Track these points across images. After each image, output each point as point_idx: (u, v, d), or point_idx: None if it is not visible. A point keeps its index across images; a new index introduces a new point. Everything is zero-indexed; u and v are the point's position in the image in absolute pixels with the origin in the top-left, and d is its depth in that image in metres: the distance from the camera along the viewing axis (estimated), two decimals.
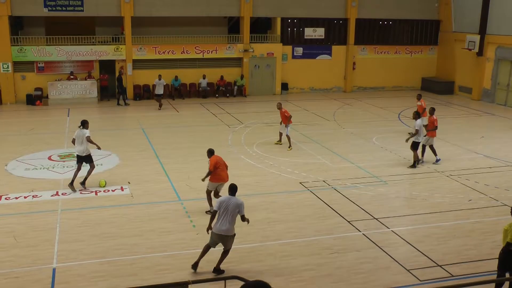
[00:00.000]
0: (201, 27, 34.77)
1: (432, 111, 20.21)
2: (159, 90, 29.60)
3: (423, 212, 15.10)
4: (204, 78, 33.36)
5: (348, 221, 14.14)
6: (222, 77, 33.90)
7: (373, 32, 37.71)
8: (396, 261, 12.04)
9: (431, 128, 19.85)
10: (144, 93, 32.86)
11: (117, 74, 31.58)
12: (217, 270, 11.37)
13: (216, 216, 11.20)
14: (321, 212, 14.83)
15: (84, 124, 16.18)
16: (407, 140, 19.67)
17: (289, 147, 21.49)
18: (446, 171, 19.04)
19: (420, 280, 11.21)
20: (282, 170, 18.53)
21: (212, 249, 11.44)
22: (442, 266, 11.84)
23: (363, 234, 13.40)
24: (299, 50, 35.84)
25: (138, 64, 32.83)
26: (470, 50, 34.44)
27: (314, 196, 16.08)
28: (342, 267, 11.74)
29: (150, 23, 33.76)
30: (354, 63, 36.72)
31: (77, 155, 16.39)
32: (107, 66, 32.57)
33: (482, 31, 33.96)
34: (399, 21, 37.92)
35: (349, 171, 18.67)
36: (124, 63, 32.44)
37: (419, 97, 24.34)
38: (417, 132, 19.00)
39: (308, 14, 35.49)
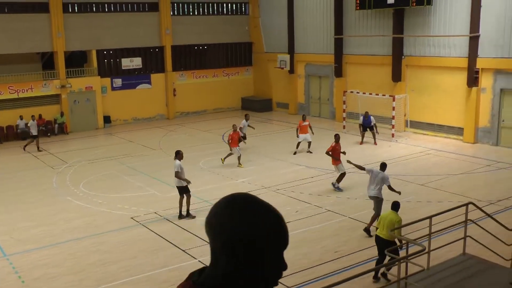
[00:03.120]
0: (13, 65, 32.90)
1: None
2: (35, 131, 27.88)
3: None
4: (21, 118, 31.52)
5: (183, 250, 14.22)
6: (40, 116, 32.35)
7: (190, 58, 38.39)
8: None
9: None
10: None
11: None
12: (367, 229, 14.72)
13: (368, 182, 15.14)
14: (155, 245, 14.77)
15: (176, 154, 17.21)
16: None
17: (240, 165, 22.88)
18: (272, 186, 19.87)
19: None
20: (112, 207, 18.15)
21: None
22: None
23: (199, 261, 13.53)
24: (118, 81, 35.41)
25: None
26: (282, 68, 36.40)
27: (147, 229, 15.95)
28: None
29: None
30: (174, 90, 37.04)
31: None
32: None
33: (291, 50, 36.18)
34: (213, 45, 38.97)
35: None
36: None
37: (304, 118, 26.16)
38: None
39: (124, 44, 35.24)
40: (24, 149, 27.97)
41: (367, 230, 14.83)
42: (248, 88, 40.50)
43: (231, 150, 23.17)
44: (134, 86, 35.91)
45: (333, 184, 19.27)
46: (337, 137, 19.87)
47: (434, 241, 12.67)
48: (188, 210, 16.92)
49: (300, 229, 15.50)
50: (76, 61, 35.30)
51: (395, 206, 12.39)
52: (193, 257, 13.73)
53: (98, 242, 15.13)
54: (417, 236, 12.47)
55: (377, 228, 12.87)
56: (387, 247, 11.39)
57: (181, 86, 37.41)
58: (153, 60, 36.88)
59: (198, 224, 16.22)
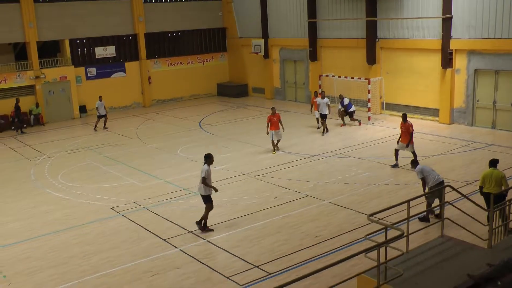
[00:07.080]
0: None
1: None
2: (102, 111, 29.82)
3: (235, 217, 15.66)
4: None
5: (164, 239, 14.23)
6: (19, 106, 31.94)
7: (164, 45, 38.15)
8: (216, 270, 12.39)
9: None
10: None
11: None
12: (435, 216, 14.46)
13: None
14: (136, 235, 14.75)
15: (206, 158, 14.56)
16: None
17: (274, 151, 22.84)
18: (250, 172, 19.92)
19: (240, 285, 11.65)
20: (91, 198, 18.06)
21: None
22: (259, 267, 12.42)
23: (181, 250, 13.57)
24: (93, 71, 35.07)
25: None
26: (257, 53, 36.34)
27: (127, 219, 15.91)
28: (164, 287, 11.82)
29: None
30: (149, 77, 36.82)
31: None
32: None
33: (265, 35, 36.10)
34: (187, 31, 38.77)
35: (159, 188, 18.73)
36: None
37: (316, 94, 27.00)
38: None
39: (97, 33, 34.88)
40: (95, 128, 29.89)
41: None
42: (224, 74, 40.43)
43: (282, 129, 22.94)
44: (108, 75, 35.62)
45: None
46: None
47: (412, 223, 12.89)
48: (202, 220, 14.88)
49: (280, 215, 15.60)
50: (49, 51, 34.86)
51: (494, 163, 13.49)
52: (174, 246, 13.75)
53: (79, 234, 15.07)
54: (396, 219, 12.64)
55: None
56: (498, 200, 12.28)
57: (156, 73, 37.22)
58: (126, 48, 36.56)
59: (178, 213, 16.22)
